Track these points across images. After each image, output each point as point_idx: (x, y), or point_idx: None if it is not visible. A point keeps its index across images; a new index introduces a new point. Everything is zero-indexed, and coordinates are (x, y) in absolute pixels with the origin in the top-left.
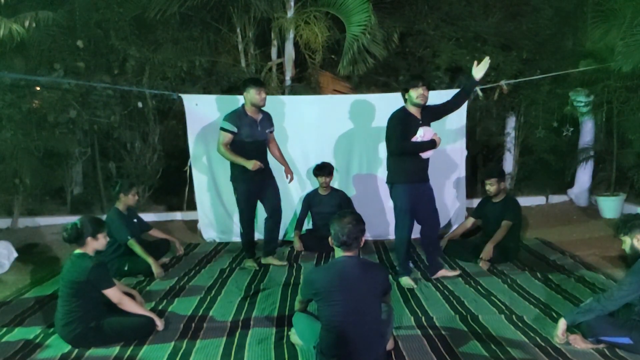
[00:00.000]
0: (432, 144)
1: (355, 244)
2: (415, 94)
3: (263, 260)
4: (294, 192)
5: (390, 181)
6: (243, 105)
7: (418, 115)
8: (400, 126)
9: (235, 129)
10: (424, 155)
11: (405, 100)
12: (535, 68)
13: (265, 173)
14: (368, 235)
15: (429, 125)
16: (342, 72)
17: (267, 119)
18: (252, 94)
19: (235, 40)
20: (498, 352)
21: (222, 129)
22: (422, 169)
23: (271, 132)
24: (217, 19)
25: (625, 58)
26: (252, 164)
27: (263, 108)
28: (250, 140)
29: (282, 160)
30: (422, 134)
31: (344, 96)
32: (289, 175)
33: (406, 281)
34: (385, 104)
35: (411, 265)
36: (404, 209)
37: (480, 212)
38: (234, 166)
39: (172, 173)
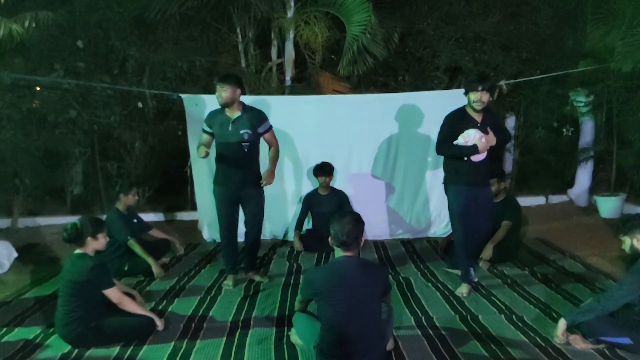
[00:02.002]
0: (473, 149)
1: (355, 244)
2: (473, 97)
3: (245, 276)
4: (293, 192)
5: (443, 181)
6: None
7: (477, 118)
8: (446, 127)
9: (208, 129)
10: (473, 158)
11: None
12: (535, 68)
13: (246, 179)
14: (367, 235)
15: (488, 130)
16: (342, 72)
17: (249, 118)
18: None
19: (235, 40)
20: (498, 352)
21: (202, 129)
22: (473, 171)
23: (259, 133)
24: (217, 19)
25: (625, 58)
26: (199, 153)
27: (257, 106)
28: (223, 141)
29: (271, 162)
30: (463, 141)
31: (344, 96)
32: (265, 179)
33: (461, 289)
34: (384, 104)
35: (472, 272)
36: (456, 211)
37: None
38: (216, 169)
39: (172, 173)
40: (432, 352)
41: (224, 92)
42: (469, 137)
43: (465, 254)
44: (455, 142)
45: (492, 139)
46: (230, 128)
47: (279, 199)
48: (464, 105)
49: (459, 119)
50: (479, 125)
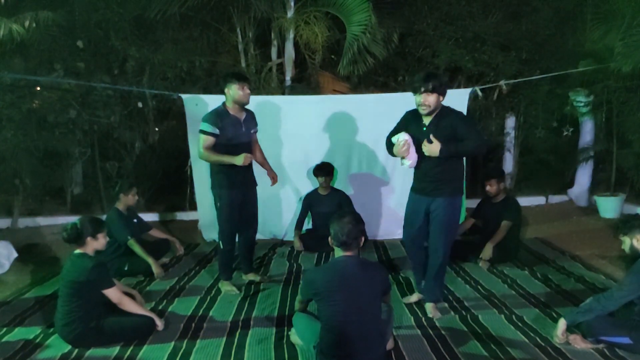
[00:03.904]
0: (390, 150)
1: (355, 244)
2: (416, 100)
3: (244, 277)
4: (294, 192)
5: None
6: (224, 103)
7: (426, 121)
8: (397, 125)
9: (216, 131)
10: (409, 164)
11: None
12: (534, 68)
13: (250, 180)
14: (367, 235)
15: (441, 137)
16: (342, 72)
17: (251, 118)
18: (235, 90)
19: (235, 41)
20: (498, 352)
21: (202, 131)
22: (419, 178)
23: (255, 132)
24: (217, 19)
25: (624, 58)
26: (242, 159)
27: (258, 106)
28: (235, 143)
29: (265, 162)
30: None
31: (344, 96)
32: (272, 179)
33: (409, 298)
34: (384, 104)
35: (422, 286)
36: (404, 216)
37: (480, 213)
38: (215, 172)
39: (172, 173)
40: (432, 352)
41: (249, 90)
42: (398, 137)
43: (411, 263)
44: (392, 138)
45: (433, 148)
46: (244, 128)
47: (279, 199)
48: None
49: (412, 118)
50: (425, 128)
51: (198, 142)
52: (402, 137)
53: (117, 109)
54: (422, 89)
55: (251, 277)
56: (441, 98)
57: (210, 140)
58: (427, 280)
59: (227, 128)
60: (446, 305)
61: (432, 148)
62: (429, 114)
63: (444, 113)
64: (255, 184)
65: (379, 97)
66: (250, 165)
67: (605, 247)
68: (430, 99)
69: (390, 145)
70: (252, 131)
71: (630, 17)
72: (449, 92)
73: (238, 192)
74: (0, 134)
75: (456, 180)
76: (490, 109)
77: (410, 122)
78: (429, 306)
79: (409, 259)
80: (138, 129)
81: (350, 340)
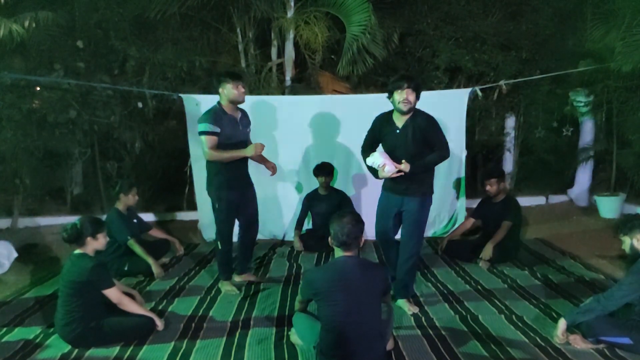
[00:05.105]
0: (374, 174)
1: (354, 244)
2: (398, 97)
3: (237, 278)
4: (293, 192)
5: None
6: (219, 103)
7: (399, 123)
8: (370, 132)
9: (217, 129)
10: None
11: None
12: (534, 68)
13: (247, 180)
14: (367, 235)
15: (413, 139)
16: (341, 72)
17: (246, 116)
18: (229, 89)
19: (235, 40)
20: (498, 352)
21: (204, 132)
22: (392, 178)
23: (249, 131)
24: (217, 19)
25: (624, 58)
26: (252, 149)
27: (258, 106)
28: (234, 142)
29: (262, 157)
30: (370, 162)
31: (344, 96)
32: (271, 169)
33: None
34: (384, 104)
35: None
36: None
37: (480, 213)
38: (214, 174)
39: (172, 173)
40: (432, 352)
41: (244, 88)
42: (374, 161)
43: (385, 260)
44: (366, 160)
45: (404, 168)
46: (240, 127)
47: (278, 199)
48: (392, 109)
49: (382, 123)
50: (398, 130)
51: (202, 145)
52: (379, 161)
53: (117, 109)
54: (406, 85)
55: (245, 277)
56: (417, 99)
57: (213, 139)
58: (400, 277)
59: (226, 127)
60: (446, 305)
61: (404, 170)
62: (406, 113)
63: (415, 115)
64: (251, 184)
65: (378, 97)
66: (246, 166)
67: (605, 247)
68: (411, 97)
69: (365, 154)
70: (247, 130)
71: (630, 17)
72: (449, 92)
73: (237, 193)
74: (0, 134)
75: (427, 181)
76: (490, 109)
77: (381, 127)
78: (402, 302)
79: (384, 256)
80: (138, 129)
81: (350, 340)
